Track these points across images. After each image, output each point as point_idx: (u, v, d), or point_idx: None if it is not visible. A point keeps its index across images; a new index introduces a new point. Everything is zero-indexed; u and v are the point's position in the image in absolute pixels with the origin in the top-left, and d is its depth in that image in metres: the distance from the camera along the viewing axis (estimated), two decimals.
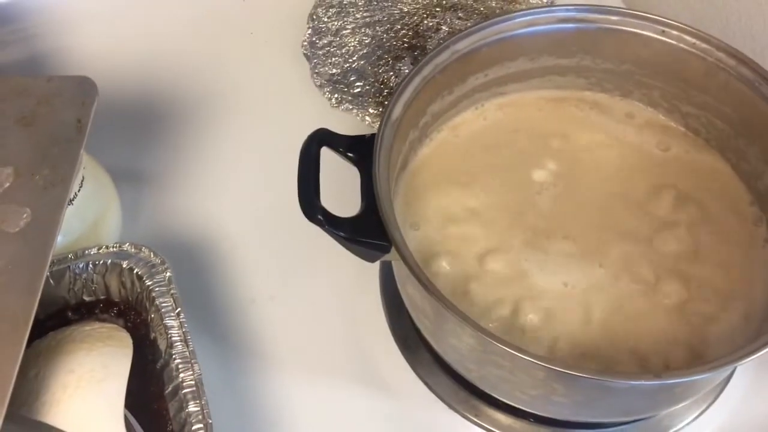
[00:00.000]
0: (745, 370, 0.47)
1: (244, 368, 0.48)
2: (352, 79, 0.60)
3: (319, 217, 0.40)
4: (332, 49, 0.62)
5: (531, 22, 0.48)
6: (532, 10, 0.48)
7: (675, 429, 0.46)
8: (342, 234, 0.40)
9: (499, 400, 0.44)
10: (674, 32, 0.48)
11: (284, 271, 0.52)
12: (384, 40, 0.63)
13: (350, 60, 0.62)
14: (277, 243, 0.53)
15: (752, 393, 0.47)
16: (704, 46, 0.47)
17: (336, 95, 0.59)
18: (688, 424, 0.46)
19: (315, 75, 0.61)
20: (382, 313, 0.50)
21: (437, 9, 0.64)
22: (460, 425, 0.46)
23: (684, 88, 0.49)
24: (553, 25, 0.48)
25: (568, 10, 0.48)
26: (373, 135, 0.43)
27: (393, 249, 0.39)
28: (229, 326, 0.50)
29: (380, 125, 0.43)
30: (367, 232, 0.40)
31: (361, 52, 0.62)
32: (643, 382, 0.35)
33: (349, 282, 0.51)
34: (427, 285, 0.38)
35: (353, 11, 0.65)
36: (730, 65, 0.46)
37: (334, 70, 0.61)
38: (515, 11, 0.49)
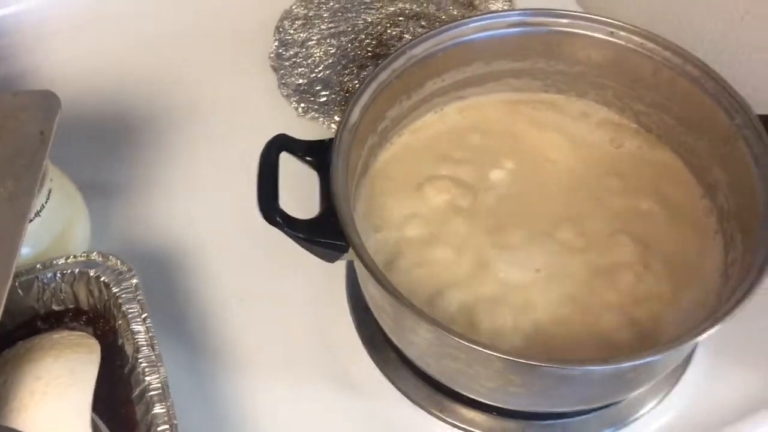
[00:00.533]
0: (703, 356, 0.48)
1: (213, 371, 0.49)
2: (318, 88, 0.62)
3: (278, 219, 0.41)
4: (299, 60, 0.64)
5: (484, 27, 0.50)
6: (485, 15, 0.50)
7: (636, 416, 0.47)
8: (300, 235, 0.41)
9: (461, 394, 0.45)
10: (622, 33, 0.49)
11: (254, 276, 0.53)
12: (349, 49, 0.64)
13: (316, 70, 0.63)
14: (246, 248, 0.54)
15: (711, 377, 0.48)
16: (651, 45, 0.48)
17: (303, 104, 0.61)
18: (648, 411, 0.47)
19: (282, 85, 0.62)
20: (349, 314, 0.51)
21: (400, 18, 0.66)
22: (425, 421, 0.47)
23: (634, 87, 0.50)
24: (506, 29, 0.50)
25: (519, 15, 0.50)
26: (331, 140, 0.44)
27: (351, 249, 0.41)
28: (201, 330, 0.51)
29: (337, 130, 0.44)
30: (324, 233, 0.41)
31: (326, 62, 0.63)
32: (590, 368, 0.36)
33: (318, 285, 0.52)
34: (383, 282, 0.39)
35: (318, 23, 0.66)
36: (676, 63, 0.48)
37: (301, 80, 0.62)
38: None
